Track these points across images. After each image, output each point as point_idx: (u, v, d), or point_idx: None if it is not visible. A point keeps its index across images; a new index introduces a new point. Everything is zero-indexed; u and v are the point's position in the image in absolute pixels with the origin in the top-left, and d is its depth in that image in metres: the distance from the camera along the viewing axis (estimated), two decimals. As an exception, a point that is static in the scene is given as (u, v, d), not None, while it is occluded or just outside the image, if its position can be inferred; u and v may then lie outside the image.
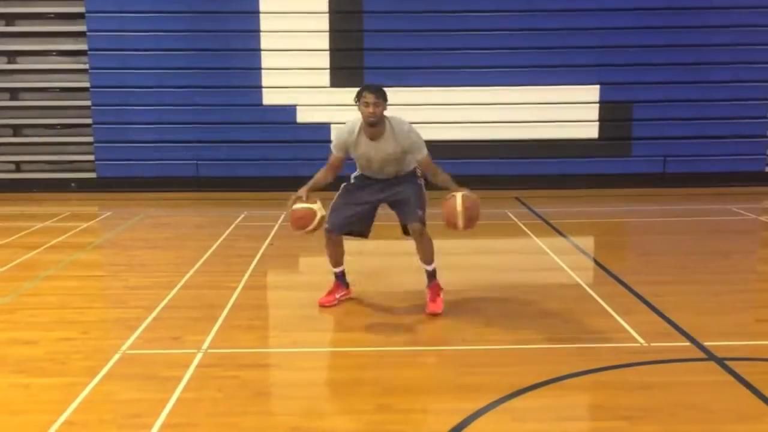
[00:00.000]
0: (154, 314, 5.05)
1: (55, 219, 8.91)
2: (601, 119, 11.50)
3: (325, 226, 5.02)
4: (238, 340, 4.56)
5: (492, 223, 8.69)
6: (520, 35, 11.40)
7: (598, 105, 11.47)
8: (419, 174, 5.05)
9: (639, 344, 4.41)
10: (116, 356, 4.26)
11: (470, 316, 5.00)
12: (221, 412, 3.55)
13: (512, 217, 8.83)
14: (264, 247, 7.22)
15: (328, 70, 11.39)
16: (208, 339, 4.54)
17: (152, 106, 11.38)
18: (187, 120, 11.44)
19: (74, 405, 3.61)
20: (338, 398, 3.83)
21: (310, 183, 4.94)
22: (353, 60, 11.38)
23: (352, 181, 5.12)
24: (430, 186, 4.99)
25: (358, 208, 5.01)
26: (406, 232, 5.09)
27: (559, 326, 4.76)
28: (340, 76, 11.38)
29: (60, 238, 7.70)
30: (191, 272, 6.22)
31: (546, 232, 7.92)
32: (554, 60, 11.37)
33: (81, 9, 11.32)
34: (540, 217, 8.86)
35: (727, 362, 4.09)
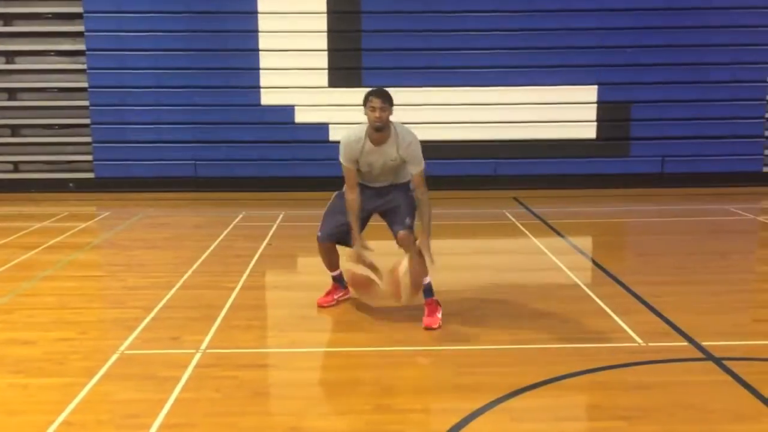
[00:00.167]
0: (152, 314, 5.05)
1: (53, 219, 8.91)
2: (600, 119, 11.51)
3: (318, 233, 5.07)
4: (236, 341, 4.56)
5: (490, 223, 8.72)
6: (518, 35, 11.40)
7: (596, 105, 11.48)
8: (412, 187, 4.96)
9: (637, 344, 4.42)
10: (114, 356, 4.26)
11: (468, 316, 5.00)
12: (220, 413, 3.55)
13: (510, 217, 8.83)
14: (262, 247, 7.22)
15: (326, 71, 11.39)
16: (207, 339, 4.54)
17: (150, 107, 11.37)
18: (185, 120, 11.43)
19: (72, 405, 3.61)
20: (337, 398, 3.83)
21: (352, 219, 4.80)
22: (351, 60, 11.38)
23: (345, 189, 5.02)
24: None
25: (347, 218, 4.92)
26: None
27: (558, 326, 4.77)
28: (338, 76, 11.38)
29: (58, 239, 7.69)
30: (190, 272, 6.21)
31: (544, 232, 7.92)
32: (552, 60, 11.37)
33: (79, 9, 11.31)
34: (538, 217, 8.87)
35: (725, 362, 4.10)
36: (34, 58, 11.75)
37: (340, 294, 5.32)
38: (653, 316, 4.95)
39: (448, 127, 11.30)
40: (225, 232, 7.99)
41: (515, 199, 10.26)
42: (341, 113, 11.16)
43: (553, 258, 6.68)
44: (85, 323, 4.94)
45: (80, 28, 11.37)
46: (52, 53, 11.75)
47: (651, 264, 6.59)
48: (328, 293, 5.29)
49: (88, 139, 11.47)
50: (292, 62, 11.36)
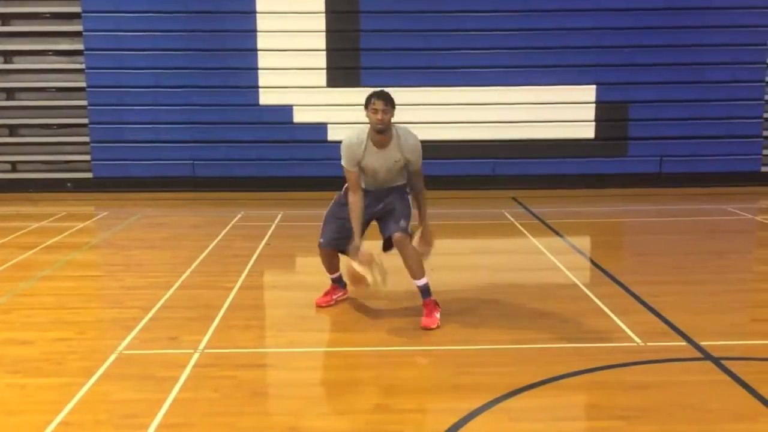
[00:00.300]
0: (150, 314, 5.04)
1: (51, 219, 8.90)
2: (598, 119, 11.52)
3: (319, 240, 5.08)
4: (234, 340, 4.56)
5: (489, 223, 8.72)
6: (517, 35, 11.41)
7: (594, 105, 11.49)
8: (408, 190, 4.98)
9: (635, 344, 4.42)
10: (112, 356, 4.25)
11: (467, 316, 5.00)
12: (218, 412, 3.55)
13: (509, 217, 8.84)
14: (261, 247, 7.21)
15: (325, 70, 11.39)
16: (205, 339, 4.54)
17: (149, 106, 11.37)
18: (183, 120, 11.43)
19: (70, 405, 3.60)
20: (335, 398, 3.82)
21: (355, 222, 4.75)
22: (350, 60, 11.37)
23: (344, 192, 5.00)
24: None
25: (348, 225, 4.87)
26: (386, 247, 4.96)
27: (556, 326, 4.77)
28: (336, 76, 11.38)
29: (56, 238, 7.68)
30: (188, 272, 6.21)
31: (543, 232, 7.93)
32: (551, 60, 11.38)
33: (77, 9, 11.30)
34: (537, 217, 8.87)
35: (723, 362, 4.10)
36: (33, 57, 11.74)
37: (339, 294, 5.32)
38: (651, 316, 4.95)
39: (447, 126, 11.31)
40: (223, 232, 7.98)
41: (514, 198, 10.27)
42: (340, 113, 11.16)
43: (552, 258, 6.69)
44: (83, 323, 4.93)
45: (78, 27, 11.37)
46: (51, 53, 11.75)
47: (649, 264, 6.59)
48: (327, 293, 5.29)
49: (86, 139, 11.47)
50: (291, 62, 11.36)
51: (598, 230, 8.56)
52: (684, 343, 4.42)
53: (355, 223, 4.76)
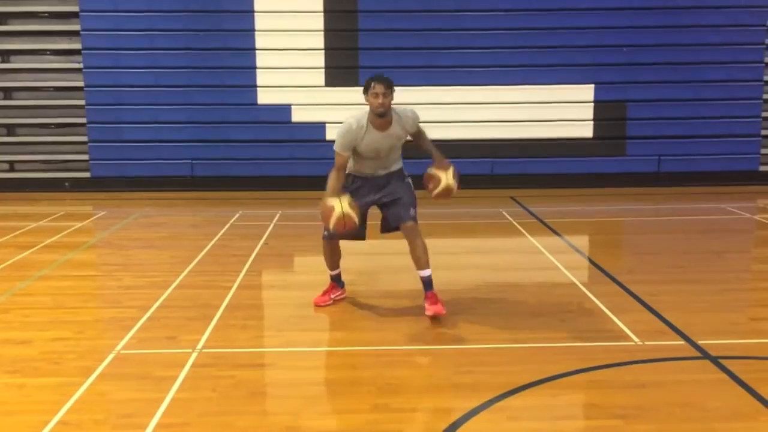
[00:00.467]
0: (148, 314, 5.04)
1: (49, 218, 8.89)
2: (596, 118, 11.52)
3: (324, 232, 5.02)
4: (233, 340, 4.55)
5: (487, 222, 8.72)
6: (515, 35, 11.41)
7: (592, 104, 11.49)
8: (406, 173, 5.06)
9: (633, 343, 4.42)
10: (110, 356, 4.25)
11: (465, 315, 5.00)
12: (216, 412, 3.54)
13: (507, 216, 8.84)
14: (259, 246, 7.21)
15: (323, 70, 11.38)
16: (203, 339, 4.53)
17: (147, 106, 11.36)
18: (181, 119, 11.42)
19: (68, 405, 3.60)
20: (333, 398, 3.82)
21: (333, 184, 4.73)
22: (348, 59, 11.37)
23: (327, 175, 4.99)
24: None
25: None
26: (385, 230, 5.04)
27: (554, 325, 4.77)
28: (335, 75, 11.37)
29: (54, 238, 7.67)
30: (186, 272, 6.20)
31: (541, 231, 7.93)
32: (549, 59, 11.38)
33: (75, 8, 11.29)
34: (535, 216, 8.87)
35: (721, 361, 4.10)
36: (30, 57, 11.73)
37: (337, 293, 5.32)
38: (650, 315, 4.95)
39: (445, 126, 11.29)
40: (221, 232, 7.98)
41: (512, 198, 10.27)
42: (338, 112, 11.06)
43: (550, 257, 6.69)
44: (81, 323, 4.93)
45: (76, 27, 11.35)
46: (48, 52, 11.74)
47: (647, 263, 6.60)
48: (325, 292, 5.29)
49: (84, 139, 11.45)
50: (289, 61, 11.35)
51: (596, 229, 8.56)
52: (682, 342, 4.42)
53: (333, 184, 4.70)
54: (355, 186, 4.94)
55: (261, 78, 11.38)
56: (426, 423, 3.52)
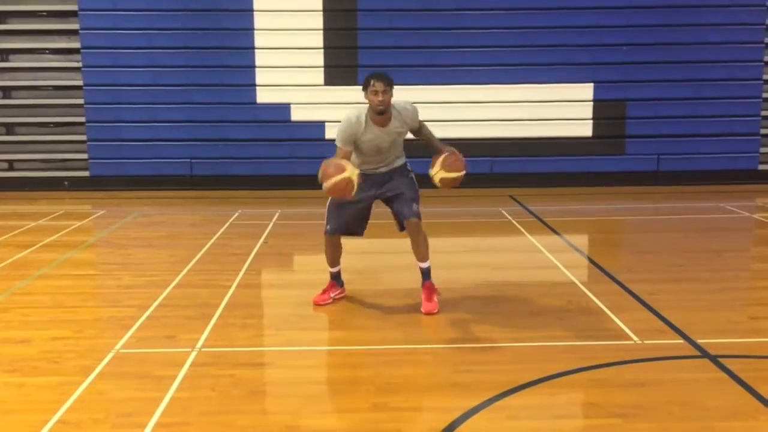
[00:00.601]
0: (147, 313, 5.03)
1: (48, 218, 8.88)
2: (595, 117, 11.52)
3: (326, 227, 5.05)
4: (232, 339, 4.55)
5: (486, 221, 8.72)
6: (515, 34, 11.40)
7: (592, 103, 11.49)
8: (410, 168, 5.10)
9: (633, 342, 4.42)
10: (110, 355, 4.24)
11: (464, 314, 5.00)
12: (215, 411, 3.54)
13: (506, 215, 8.84)
14: (258, 245, 7.21)
15: (323, 69, 11.37)
16: (202, 338, 4.53)
17: (146, 105, 11.34)
18: (181, 118, 11.41)
19: (68, 404, 3.60)
20: (333, 397, 3.82)
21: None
22: (347, 58, 11.36)
23: None
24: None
25: (354, 207, 4.99)
26: (402, 228, 5.08)
27: (554, 324, 4.77)
28: (334, 74, 11.36)
29: (53, 237, 7.67)
30: (185, 271, 6.20)
31: (540, 230, 7.93)
32: (548, 58, 11.38)
33: (74, 7, 11.28)
34: (534, 215, 8.87)
35: (720, 359, 4.10)
36: (29, 56, 11.72)
37: (337, 292, 5.32)
38: (649, 314, 4.95)
39: (444, 125, 11.26)
40: (221, 231, 7.97)
41: (511, 197, 10.26)
42: (337, 111, 11.01)
43: (549, 256, 6.69)
44: (80, 322, 4.92)
45: (75, 25, 11.34)
46: (47, 51, 11.72)
47: (647, 262, 6.60)
48: (325, 291, 5.29)
49: (84, 138, 11.44)
50: (288, 60, 11.34)
51: (595, 228, 8.56)
52: (681, 341, 4.42)
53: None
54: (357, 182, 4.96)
55: (260, 77, 11.37)
56: (425, 422, 3.52)
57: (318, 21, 11.31)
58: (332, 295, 5.28)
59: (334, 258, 5.25)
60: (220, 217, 8.72)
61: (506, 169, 11.43)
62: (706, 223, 8.53)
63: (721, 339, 4.46)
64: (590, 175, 11.42)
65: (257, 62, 11.34)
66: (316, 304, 5.21)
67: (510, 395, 3.67)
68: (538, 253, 6.89)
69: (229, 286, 5.69)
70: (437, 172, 4.80)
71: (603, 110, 11.51)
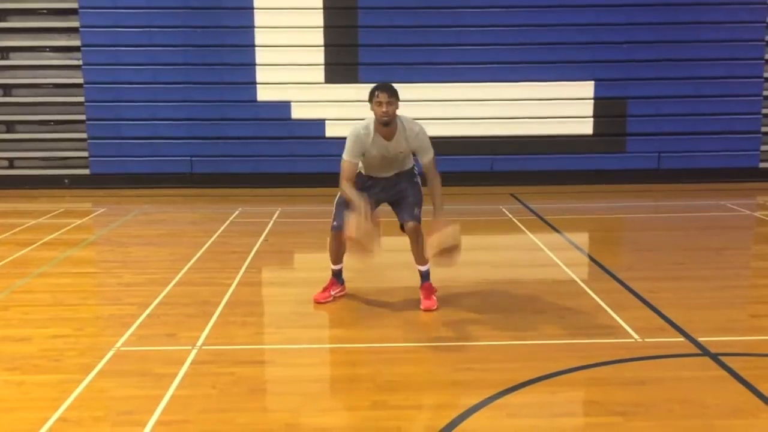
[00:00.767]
0: (148, 311, 5.03)
1: (48, 216, 8.88)
2: (596, 115, 11.51)
3: (332, 223, 5.06)
4: (232, 337, 4.55)
5: (487, 219, 8.72)
6: (515, 31, 11.40)
7: (592, 101, 11.48)
8: (417, 172, 5.11)
9: (633, 340, 4.42)
10: (110, 353, 4.24)
11: (464, 312, 5.00)
12: (215, 409, 3.54)
13: (507, 213, 8.83)
14: (259, 243, 7.20)
15: (323, 66, 11.36)
16: (203, 336, 4.53)
17: (146, 103, 11.34)
18: (181, 116, 11.40)
19: (68, 402, 3.60)
20: (333, 395, 3.82)
21: (354, 197, 4.61)
22: (348, 56, 11.35)
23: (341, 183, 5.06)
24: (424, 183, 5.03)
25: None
26: (403, 228, 5.10)
27: (554, 322, 4.77)
28: (334, 72, 11.35)
29: (53, 235, 7.67)
30: (186, 269, 6.20)
31: (541, 228, 7.93)
32: (549, 56, 11.37)
33: (74, 5, 11.27)
34: (534, 213, 8.87)
35: (721, 358, 4.10)
36: (29, 54, 11.70)
37: (337, 290, 5.32)
38: (649, 312, 4.95)
39: (445, 123, 11.29)
40: (221, 229, 7.97)
41: (512, 195, 10.26)
42: (338, 109, 11.15)
43: (550, 254, 6.68)
44: (80, 320, 4.92)
45: (75, 23, 11.33)
46: (47, 49, 11.71)
47: (647, 260, 6.59)
48: (325, 289, 5.28)
49: (84, 136, 11.44)
50: (289, 58, 11.34)
51: (596, 226, 8.56)
52: (682, 339, 4.42)
53: (354, 197, 4.61)
54: (366, 185, 4.98)
55: (260, 75, 11.37)
56: (425, 420, 3.52)
57: (318, 18, 11.30)
58: (333, 293, 5.28)
59: (338, 255, 5.24)
60: (220, 215, 8.72)
61: (507, 167, 11.43)
62: (706, 221, 8.53)
63: (722, 337, 4.46)
64: (591, 173, 11.42)
65: (257, 60, 11.34)
66: (317, 302, 5.21)
67: (510, 393, 3.67)
68: (539, 251, 6.89)
69: (230, 284, 5.69)
70: (435, 248, 4.62)
71: (603, 108, 11.50)
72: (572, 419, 3.51)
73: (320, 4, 11.28)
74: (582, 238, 7.87)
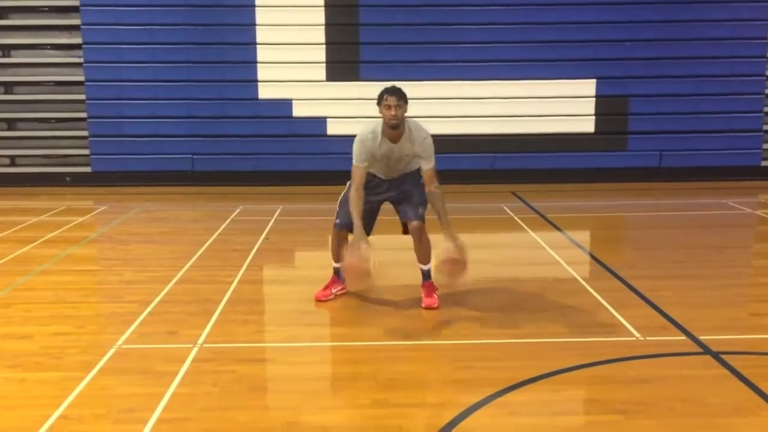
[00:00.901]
0: (149, 309, 5.04)
1: (49, 213, 8.89)
2: (597, 113, 11.50)
3: (335, 221, 5.08)
4: (233, 335, 4.55)
5: (488, 217, 8.72)
6: (517, 29, 11.39)
7: (594, 99, 11.47)
8: (424, 182, 5.07)
9: (635, 338, 4.42)
10: (111, 351, 4.25)
11: (466, 310, 5.00)
12: (217, 407, 3.54)
13: (508, 211, 8.83)
14: (260, 241, 7.21)
15: (324, 64, 11.36)
16: (204, 333, 4.53)
17: (147, 100, 11.34)
18: (182, 114, 11.40)
19: (69, 399, 3.60)
20: (334, 393, 3.82)
21: (356, 219, 4.71)
22: (349, 54, 11.35)
23: (348, 187, 5.05)
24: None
25: (365, 207, 4.96)
26: (405, 231, 5.11)
27: (555, 320, 4.76)
28: (335, 69, 11.35)
29: (55, 233, 7.67)
30: (187, 266, 6.20)
31: (542, 227, 7.92)
32: (551, 54, 11.36)
33: (75, 2, 11.27)
34: (536, 211, 8.87)
35: (722, 356, 4.10)
36: (30, 51, 11.71)
37: (338, 288, 5.32)
38: (651, 310, 4.95)
39: (446, 121, 11.28)
40: (222, 227, 7.97)
41: (513, 193, 10.26)
42: (339, 107, 11.14)
43: (551, 252, 6.68)
44: (82, 318, 4.92)
45: (77, 21, 11.33)
46: (49, 46, 11.71)
47: (649, 258, 6.59)
48: (326, 287, 5.28)
49: (85, 133, 11.44)
50: (290, 56, 11.33)
51: (597, 224, 8.56)
52: (683, 338, 4.41)
53: (356, 220, 4.76)
54: (372, 183, 5.00)
55: (262, 73, 11.36)
56: (426, 418, 3.52)
57: (320, 16, 11.29)
58: (334, 291, 5.28)
59: (338, 252, 5.24)
60: (221, 213, 8.72)
61: (508, 165, 11.43)
62: (708, 220, 8.52)
63: (723, 335, 4.45)
64: (592, 171, 11.41)
65: (259, 58, 11.33)
66: (318, 300, 5.21)
67: (511, 392, 3.67)
68: (540, 249, 6.89)
69: (231, 282, 5.69)
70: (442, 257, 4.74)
71: (605, 106, 11.49)
72: (573, 417, 3.51)
73: (321, 2, 11.27)
74: (583, 237, 7.87)
